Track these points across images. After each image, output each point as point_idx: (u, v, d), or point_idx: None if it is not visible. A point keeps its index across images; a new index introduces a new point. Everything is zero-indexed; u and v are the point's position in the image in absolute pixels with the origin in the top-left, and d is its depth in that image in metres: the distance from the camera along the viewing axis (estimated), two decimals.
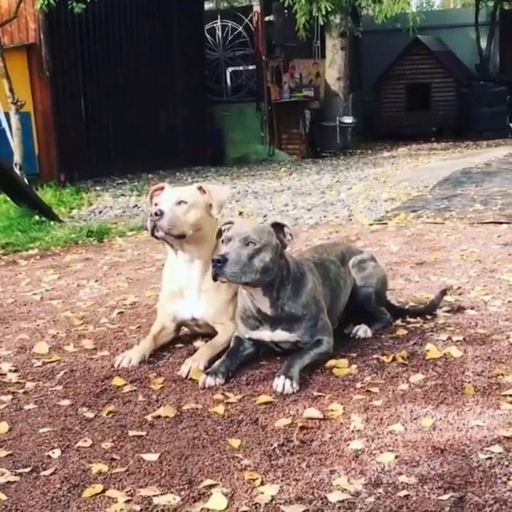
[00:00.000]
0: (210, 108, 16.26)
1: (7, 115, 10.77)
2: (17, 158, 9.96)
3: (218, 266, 3.07)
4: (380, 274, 3.92)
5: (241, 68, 17.05)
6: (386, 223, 7.17)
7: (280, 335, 3.38)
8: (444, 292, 4.21)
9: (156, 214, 3.42)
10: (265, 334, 3.39)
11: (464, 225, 6.85)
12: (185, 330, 3.99)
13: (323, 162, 14.46)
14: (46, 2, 9.79)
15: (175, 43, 14.92)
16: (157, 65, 14.34)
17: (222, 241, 3.24)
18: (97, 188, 11.52)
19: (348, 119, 16.44)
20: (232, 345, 3.46)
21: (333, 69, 16.60)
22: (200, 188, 3.61)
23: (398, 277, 4.97)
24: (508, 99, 19.16)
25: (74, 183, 11.54)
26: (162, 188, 3.68)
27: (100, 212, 9.38)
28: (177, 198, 3.50)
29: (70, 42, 12.26)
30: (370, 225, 7.18)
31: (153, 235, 3.47)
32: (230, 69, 17.18)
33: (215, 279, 3.14)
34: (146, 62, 14.05)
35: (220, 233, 3.38)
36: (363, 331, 3.74)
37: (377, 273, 3.91)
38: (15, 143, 10.09)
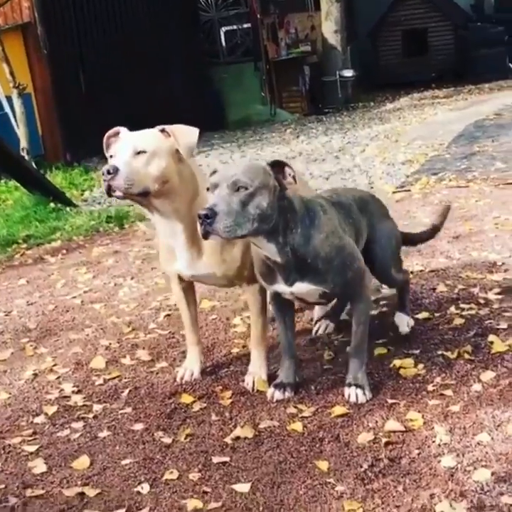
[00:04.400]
0: (207, 71, 16.02)
1: (8, 99, 10.61)
2: (23, 143, 9.84)
3: (207, 222, 2.61)
4: (396, 235, 3.58)
5: (235, 27, 16.81)
6: (409, 190, 7.11)
7: (301, 288, 2.96)
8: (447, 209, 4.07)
9: (109, 172, 2.87)
10: (283, 288, 2.99)
11: (489, 187, 6.78)
12: (238, 331, 3.98)
13: (327, 120, 14.29)
14: None
15: (168, 7, 14.62)
16: (152, 32, 14.08)
17: (207, 189, 2.77)
18: None
19: (349, 73, 16.22)
20: (276, 319, 3.26)
21: (329, 21, 16.28)
22: (162, 131, 3.08)
23: (438, 255, 4.92)
24: (506, 39, 18.91)
25: (81, 163, 11.41)
26: (118, 133, 3.13)
27: None
28: (134, 147, 2.97)
29: (65, 17, 12.03)
30: (394, 192, 7.11)
31: (110, 196, 2.95)
32: (224, 29, 16.93)
33: (205, 237, 2.69)
34: (141, 31, 13.81)
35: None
36: (405, 323, 3.63)
37: (393, 235, 3.55)
38: (20, 128, 9.95)
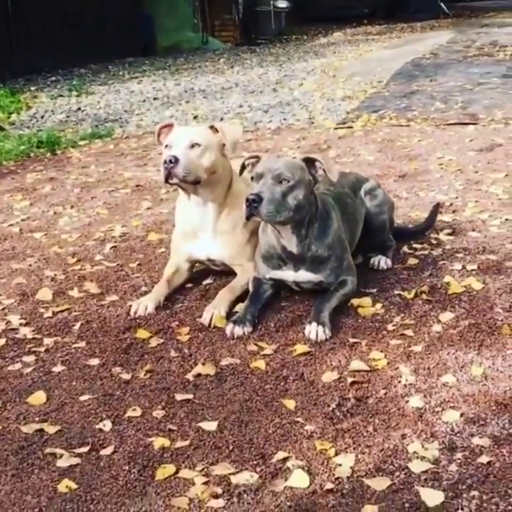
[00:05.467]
0: None
1: None
2: None
3: (253, 206, 2.97)
4: (389, 201, 3.88)
5: None
6: (351, 127, 7.06)
7: (304, 275, 3.29)
8: (437, 207, 4.25)
9: (170, 161, 3.22)
10: (288, 274, 3.30)
11: (430, 127, 6.80)
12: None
13: (261, 51, 14.06)
14: None
15: None
16: None
17: (252, 178, 3.10)
18: (32, 88, 10.97)
19: (283, 4, 15.97)
20: (251, 288, 3.37)
21: None
22: (212, 127, 3.43)
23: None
24: None
25: (6, 84, 10.92)
26: (170, 125, 3.49)
27: (42, 117, 8.96)
28: (190, 140, 3.31)
29: None
30: (335, 128, 7.05)
31: (167, 182, 3.29)
32: None
33: (248, 218, 3.04)
34: None
35: (243, 168, 3.25)
36: (384, 261, 3.69)
37: (387, 200, 3.85)
38: None
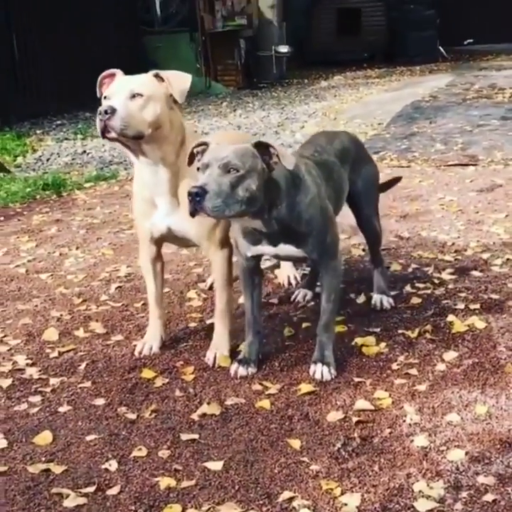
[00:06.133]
0: (140, 39, 15.69)
1: None
2: None
3: (197, 200, 2.61)
4: (376, 179, 3.78)
5: None
6: None
7: (284, 249, 3.02)
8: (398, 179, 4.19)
9: (106, 112, 2.88)
10: (268, 249, 3.04)
11: (430, 168, 6.88)
12: (194, 306, 3.92)
13: (262, 94, 14.22)
14: None
15: None
16: None
17: (198, 168, 2.76)
18: (37, 131, 11.08)
19: (284, 48, 16.16)
20: (241, 282, 3.20)
21: None
22: (156, 76, 3.07)
23: (388, 233, 4.93)
24: (437, 22, 19.15)
25: (12, 127, 11.05)
26: (113, 75, 3.15)
27: (48, 159, 9.05)
28: (130, 90, 2.98)
29: None
30: None
31: (104, 136, 2.94)
32: None
33: (193, 215, 2.68)
34: None
35: (192, 157, 2.89)
36: (386, 301, 3.71)
37: (375, 178, 3.74)
38: None
